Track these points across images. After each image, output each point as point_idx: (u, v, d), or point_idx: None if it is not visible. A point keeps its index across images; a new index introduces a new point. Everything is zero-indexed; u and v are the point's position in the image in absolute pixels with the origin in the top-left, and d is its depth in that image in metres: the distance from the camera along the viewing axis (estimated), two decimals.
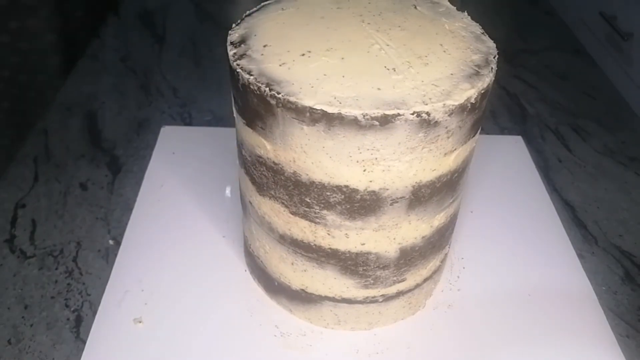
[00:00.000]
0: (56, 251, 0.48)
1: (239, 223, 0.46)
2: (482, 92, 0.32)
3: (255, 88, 0.31)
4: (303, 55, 0.33)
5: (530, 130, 0.66)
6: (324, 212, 0.34)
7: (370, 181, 0.32)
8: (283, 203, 0.36)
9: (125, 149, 0.59)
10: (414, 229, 0.36)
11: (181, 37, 0.81)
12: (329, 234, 0.36)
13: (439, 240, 0.39)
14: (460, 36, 0.36)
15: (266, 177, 0.36)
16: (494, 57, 0.35)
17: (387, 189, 0.33)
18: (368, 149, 0.31)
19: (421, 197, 0.34)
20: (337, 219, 0.35)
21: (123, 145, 0.60)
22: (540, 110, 0.69)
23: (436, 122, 0.30)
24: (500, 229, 0.51)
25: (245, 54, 0.33)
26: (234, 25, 0.37)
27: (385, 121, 0.30)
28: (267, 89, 0.31)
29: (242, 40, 0.35)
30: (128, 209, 0.51)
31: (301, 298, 0.41)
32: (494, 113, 0.68)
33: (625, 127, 0.67)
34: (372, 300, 0.40)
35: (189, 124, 0.64)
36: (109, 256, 0.47)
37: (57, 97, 0.68)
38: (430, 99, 0.30)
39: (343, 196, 0.33)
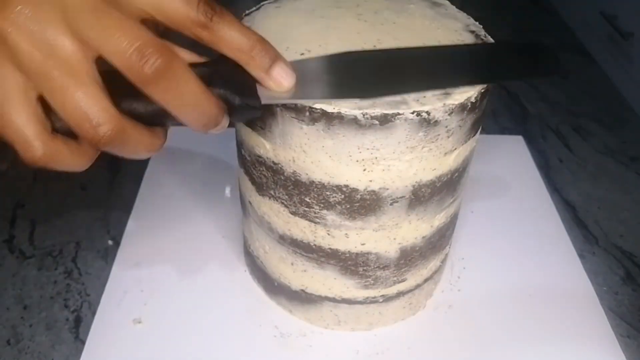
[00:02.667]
0: (55, 251, 0.48)
1: (239, 223, 0.46)
2: (482, 91, 0.32)
3: None
4: (302, 54, 0.33)
5: (531, 130, 0.66)
6: (324, 212, 0.34)
7: (370, 181, 0.32)
8: (283, 203, 0.36)
9: None
10: (414, 228, 0.36)
11: (181, 37, 0.81)
12: (328, 234, 0.36)
13: (439, 240, 0.39)
14: (460, 35, 0.36)
15: (266, 177, 0.35)
16: None
17: (387, 189, 0.33)
18: (368, 149, 0.31)
19: (421, 196, 0.34)
20: (337, 219, 0.34)
21: None
22: (541, 110, 0.69)
23: (436, 121, 0.30)
24: (500, 229, 0.51)
25: None
26: None
27: (385, 120, 0.29)
28: None
29: None
30: (127, 209, 0.51)
31: (301, 298, 0.41)
32: (494, 113, 0.68)
33: (626, 126, 0.67)
34: (372, 301, 0.40)
35: None
36: (108, 256, 0.47)
37: None
38: (430, 98, 0.30)
39: (343, 196, 0.33)
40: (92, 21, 0.24)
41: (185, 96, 0.25)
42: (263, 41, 0.27)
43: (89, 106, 0.24)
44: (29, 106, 0.24)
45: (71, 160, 0.25)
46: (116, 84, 0.24)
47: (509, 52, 0.35)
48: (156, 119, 0.26)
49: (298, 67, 0.28)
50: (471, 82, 0.31)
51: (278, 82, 0.27)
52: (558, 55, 0.34)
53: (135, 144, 0.26)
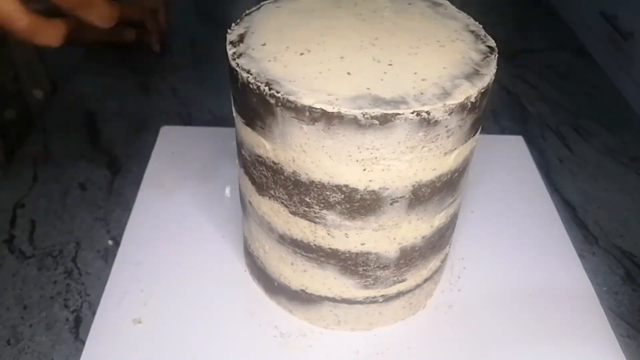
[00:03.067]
0: (55, 251, 0.48)
1: (239, 223, 0.46)
2: (482, 91, 0.32)
3: (255, 87, 0.31)
4: (302, 54, 0.33)
5: (531, 130, 0.66)
6: (324, 211, 0.34)
7: (370, 180, 0.32)
8: (283, 203, 0.36)
9: (125, 149, 0.59)
10: (414, 228, 0.36)
11: (181, 37, 0.81)
12: (328, 234, 0.36)
13: (439, 240, 0.39)
14: (460, 35, 0.36)
15: (266, 176, 0.35)
16: (495, 57, 0.34)
17: (387, 189, 0.33)
18: (368, 148, 0.31)
19: (421, 196, 0.34)
20: (337, 219, 0.34)
21: (122, 145, 0.60)
22: (541, 110, 0.69)
23: (436, 121, 0.30)
24: (500, 229, 0.51)
25: (244, 53, 0.33)
26: (233, 24, 0.37)
27: (384, 120, 0.29)
28: (267, 88, 0.31)
29: (241, 39, 0.35)
30: (127, 209, 0.51)
31: (301, 298, 0.41)
32: (494, 113, 0.68)
33: (627, 126, 0.67)
34: (372, 301, 0.40)
35: (189, 124, 0.64)
36: (108, 256, 0.47)
37: (56, 97, 0.68)
38: (430, 98, 0.30)
39: (343, 196, 0.33)
40: None
41: None
42: None
43: (8, 9, 0.32)
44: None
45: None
46: None
47: None
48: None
49: None
50: None
51: None
52: None
53: (48, 32, 0.33)
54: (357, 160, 0.31)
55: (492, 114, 0.68)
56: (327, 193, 0.33)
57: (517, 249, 0.49)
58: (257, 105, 0.32)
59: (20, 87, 0.67)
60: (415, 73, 0.32)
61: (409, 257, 0.38)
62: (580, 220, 0.54)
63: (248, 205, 0.40)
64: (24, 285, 0.45)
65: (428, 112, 0.30)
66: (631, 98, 0.71)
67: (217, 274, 0.46)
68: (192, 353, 0.40)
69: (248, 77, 0.32)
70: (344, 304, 0.40)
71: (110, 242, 0.49)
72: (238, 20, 0.37)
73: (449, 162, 0.34)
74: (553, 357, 0.41)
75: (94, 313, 0.42)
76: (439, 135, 0.31)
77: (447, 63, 0.33)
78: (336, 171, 0.32)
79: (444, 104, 0.30)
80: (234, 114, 0.36)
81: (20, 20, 0.32)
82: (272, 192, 0.36)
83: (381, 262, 0.37)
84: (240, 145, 0.38)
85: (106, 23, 0.35)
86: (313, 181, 0.33)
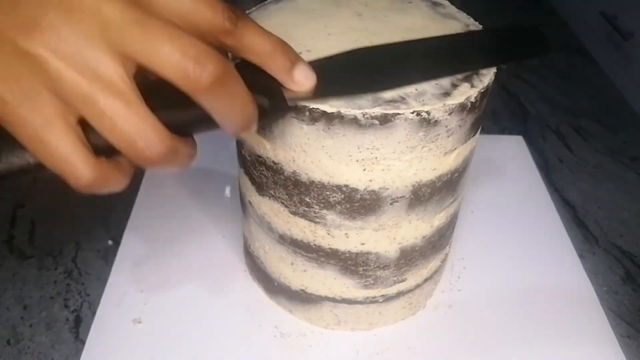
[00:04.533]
0: (55, 251, 0.48)
1: (239, 223, 0.46)
2: (482, 91, 0.32)
3: None
4: (301, 53, 0.33)
5: (531, 130, 0.66)
6: (324, 211, 0.34)
7: (370, 180, 0.32)
8: (283, 203, 0.36)
9: None
10: (414, 228, 0.36)
11: None
12: (328, 234, 0.36)
13: (439, 240, 0.39)
14: None
15: (266, 176, 0.35)
16: None
17: (387, 189, 0.33)
18: (368, 148, 0.31)
19: (421, 196, 0.34)
20: (337, 219, 0.34)
21: None
22: (541, 110, 0.69)
23: (436, 121, 0.30)
24: (500, 229, 0.51)
25: None
26: None
27: (385, 120, 0.29)
28: None
29: None
30: (127, 209, 0.51)
31: (301, 298, 0.41)
32: (494, 113, 0.68)
33: (626, 126, 0.67)
34: (372, 301, 0.40)
35: None
36: (108, 256, 0.47)
37: None
38: (430, 98, 0.30)
39: (343, 196, 0.33)
40: (136, 34, 0.22)
41: (236, 101, 0.24)
42: (283, 43, 0.26)
43: (140, 128, 0.22)
44: (72, 133, 0.22)
45: (116, 180, 0.25)
46: (151, 97, 0.23)
47: (496, 36, 0.35)
48: (191, 128, 0.26)
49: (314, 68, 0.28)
50: (468, 68, 0.33)
51: (300, 83, 0.27)
52: (544, 32, 0.35)
53: (182, 158, 0.25)
54: (357, 160, 0.31)
55: (492, 114, 0.68)
56: (327, 193, 0.33)
57: (517, 249, 0.49)
58: None
59: None
60: None
61: (409, 257, 0.38)
62: (580, 220, 0.54)
63: (248, 205, 0.40)
64: (24, 285, 0.45)
65: (428, 112, 0.30)
66: (631, 98, 0.71)
67: (217, 274, 0.46)
68: (192, 353, 0.40)
69: None
70: (344, 304, 0.40)
71: (110, 242, 0.49)
72: None
73: (449, 162, 0.34)
74: (553, 357, 0.41)
75: (94, 313, 0.42)
76: (439, 135, 0.31)
77: None
78: (336, 171, 0.32)
79: (444, 104, 0.30)
80: None
81: (86, 177, 0.24)
82: (272, 192, 0.36)
83: (381, 262, 0.37)
84: (240, 145, 0.38)
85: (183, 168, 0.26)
86: (313, 181, 0.33)
